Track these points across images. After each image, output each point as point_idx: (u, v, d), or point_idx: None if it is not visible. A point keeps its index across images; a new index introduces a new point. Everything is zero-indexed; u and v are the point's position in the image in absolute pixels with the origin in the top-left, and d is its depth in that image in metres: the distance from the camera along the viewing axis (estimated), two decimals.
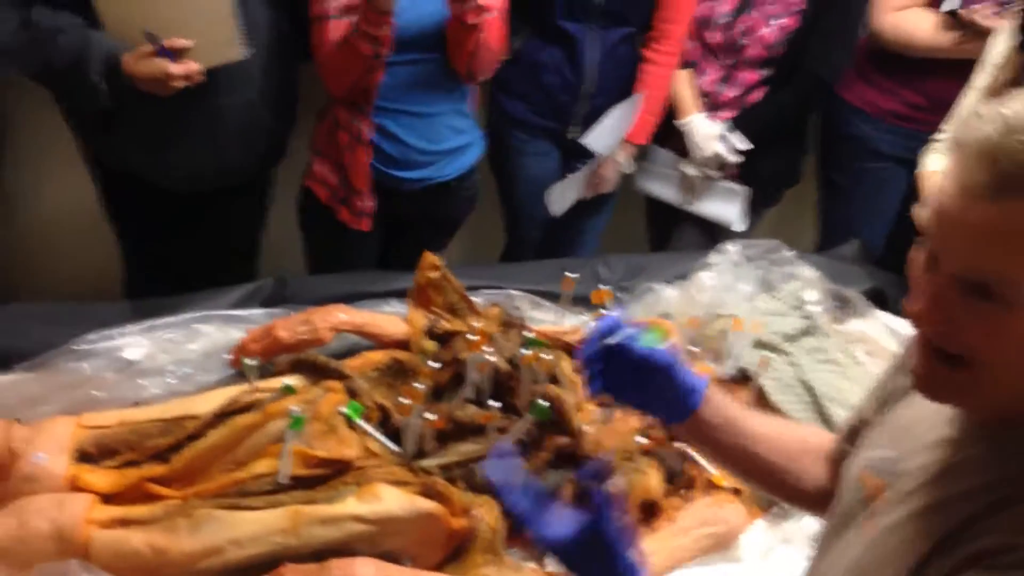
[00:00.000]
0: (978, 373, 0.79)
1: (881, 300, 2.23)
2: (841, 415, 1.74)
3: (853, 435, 1.08)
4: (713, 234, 2.55)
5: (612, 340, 1.07)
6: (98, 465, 1.49)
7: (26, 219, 2.66)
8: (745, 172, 2.49)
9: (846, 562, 0.92)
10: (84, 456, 1.49)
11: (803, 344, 1.93)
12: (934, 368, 0.82)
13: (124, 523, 1.37)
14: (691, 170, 2.49)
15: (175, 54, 1.78)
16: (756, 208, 2.58)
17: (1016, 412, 0.82)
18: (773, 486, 1.17)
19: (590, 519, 0.91)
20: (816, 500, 1.13)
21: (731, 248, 2.15)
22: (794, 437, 1.16)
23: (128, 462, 1.50)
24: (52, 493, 1.41)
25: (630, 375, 1.08)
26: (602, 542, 0.91)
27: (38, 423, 1.52)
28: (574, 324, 1.92)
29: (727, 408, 1.12)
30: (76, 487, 1.44)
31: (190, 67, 1.79)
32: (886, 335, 2.07)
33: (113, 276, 2.40)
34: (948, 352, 0.80)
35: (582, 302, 1.92)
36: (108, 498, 1.44)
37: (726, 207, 2.53)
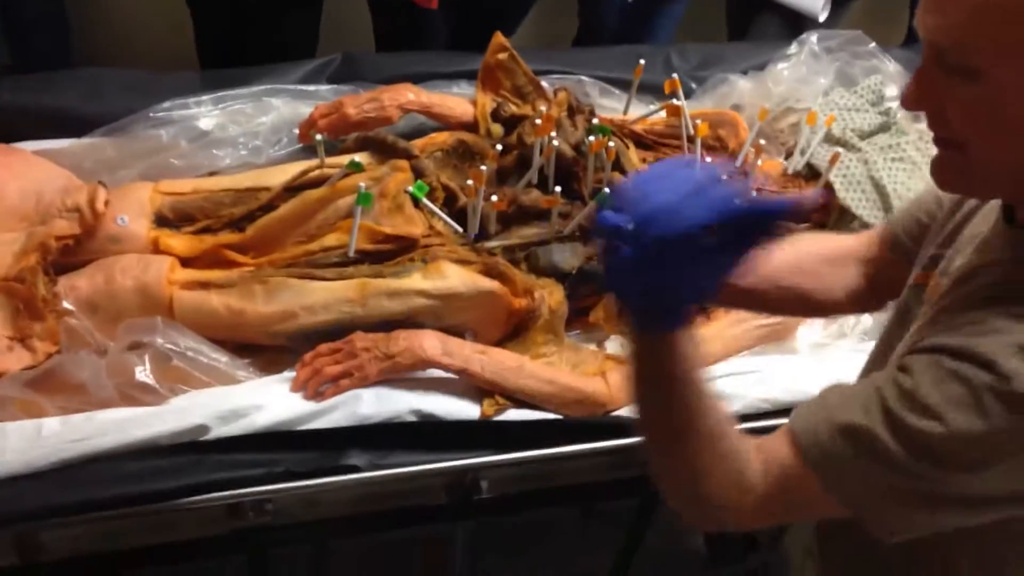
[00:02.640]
0: (967, 154, 0.79)
1: None
2: None
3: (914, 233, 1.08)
4: (796, 25, 2.43)
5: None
6: (176, 230, 1.55)
7: None
8: None
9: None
10: (162, 221, 1.55)
11: (876, 141, 1.87)
12: (939, 154, 0.83)
13: (203, 285, 1.45)
14: None
15: None
16: None
17: None
18: (809, 310, 1.21)
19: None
20: (852, 302, 1.16)
21: (811, 39, 2.05)
22: (813, 254, 1.16)
23: (204, 229, 1.56)
24: (136, 254, 1.48)
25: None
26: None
27: (119, 187, 1.58)
28: (642, 113, 1.88)
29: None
30: (157, 250, 1.51)
31: None
32: None
33: (189, 46, 2.40)
34: (939, 136, 0.81)
35: (654, 91, 1.87)
36: (185, 262, 1.51)
37: None
